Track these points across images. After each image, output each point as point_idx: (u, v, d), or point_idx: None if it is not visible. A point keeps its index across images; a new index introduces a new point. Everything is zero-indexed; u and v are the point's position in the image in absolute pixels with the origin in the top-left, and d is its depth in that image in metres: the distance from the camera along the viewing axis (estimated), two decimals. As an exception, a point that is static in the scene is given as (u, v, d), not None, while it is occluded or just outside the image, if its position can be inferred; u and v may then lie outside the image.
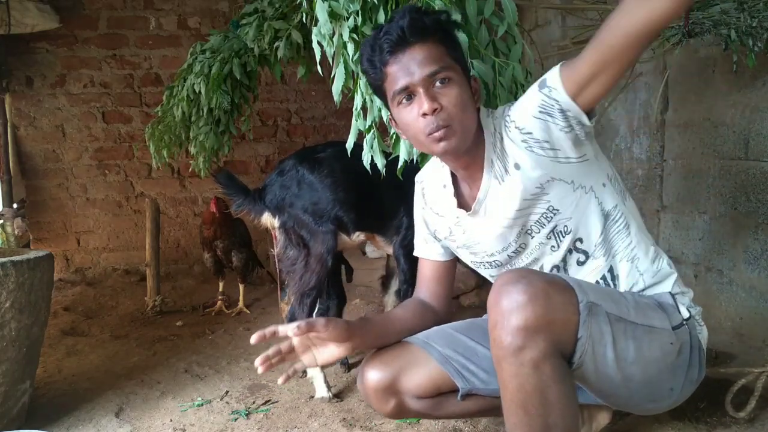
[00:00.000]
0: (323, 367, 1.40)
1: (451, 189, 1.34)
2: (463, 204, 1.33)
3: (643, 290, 1.28)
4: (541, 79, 1.16)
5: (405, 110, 1.20)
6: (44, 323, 1.88)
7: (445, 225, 1.39)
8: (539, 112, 1.15)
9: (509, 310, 1.03)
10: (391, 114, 1.28)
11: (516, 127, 1.20)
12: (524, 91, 1.47)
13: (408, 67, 1.16)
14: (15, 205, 3.93)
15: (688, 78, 2.40)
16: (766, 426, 1.58)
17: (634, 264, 1.28)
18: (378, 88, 1.25)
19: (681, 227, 2.50)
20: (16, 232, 3.85)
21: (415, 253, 1.50)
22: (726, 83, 2.22)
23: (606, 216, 1.26)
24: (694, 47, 2.29)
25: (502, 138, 1.23)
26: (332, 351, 1.26)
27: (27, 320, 1.73)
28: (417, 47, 1.16)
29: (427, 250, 1.46)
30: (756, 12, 1.68)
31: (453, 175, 1.34)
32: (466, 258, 1.41)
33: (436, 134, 1.17)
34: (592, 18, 2.19)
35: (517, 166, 1.21)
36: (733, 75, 2.13)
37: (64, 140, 4.12)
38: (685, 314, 1.26)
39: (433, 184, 1.41)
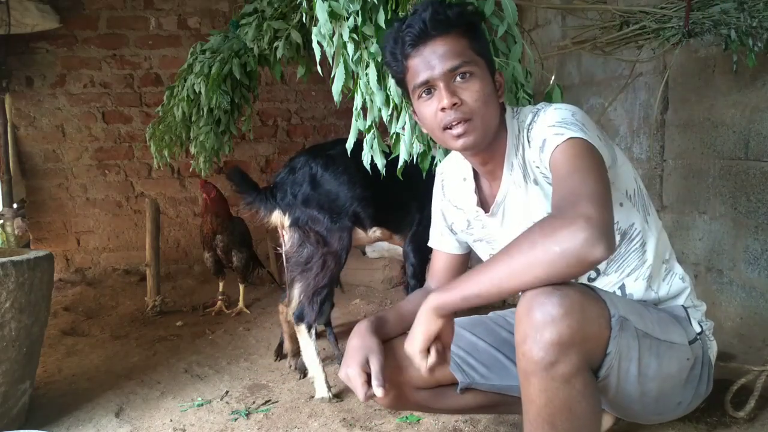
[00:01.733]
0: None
1: (471, 184, 1.33)
2: (483, 201, 1.32)
3: (656, 304, 1.27)
4: (547, 143, 1.13)
5: (425, 104, 1.18)
6: (44, 323, 1.88)
7: (463, 218, 1.38)
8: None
9: (543, 324, 0.99)
10: (412, 107, 1.26)
11: (532, 155, 1.19)
12: (524, 92, 1.47)
13: (429, 61, 1.14)
14: (15, 205, 3.93)
15: (688, 78, 2.40)
16: (766, 426, 1.58)
17: (648, 282, 1.26)
18: (400, 81, 1.24)
19: (681, 227, 2.49)
20: (16, 232, 3.85)
21: (429, 244, 1.50)
22: (726, 83, 2.22)
23: (622, 235, 1.24)
24: (694, 47, 2.29)
25: (524, 147, 1.21)
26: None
27: (27, 320, 1.73)
28: (439, 40, 1.14)
29: (442, 242, 1.45)
30: (756, 12, 1.68)
31: (474, 169, 1.33)
32: (483, 251, 1.40)
33: (455, 130, 1.15)
34: (592, 18, 2.18)
35: (535, 181, 1.21)
36: (733, 75, 2.13)
37: (64, 140, 4.12)
38: (697, 329, 1.25)
39: (453, 176, 1.40)
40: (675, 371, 1.17)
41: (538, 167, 1.18)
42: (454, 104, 1.14)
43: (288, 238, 2.08)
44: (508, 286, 1.01)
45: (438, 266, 1.47)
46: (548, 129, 1.13)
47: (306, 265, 2.03)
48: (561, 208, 1.00)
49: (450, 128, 1.16)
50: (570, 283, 1.12)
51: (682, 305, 1.27)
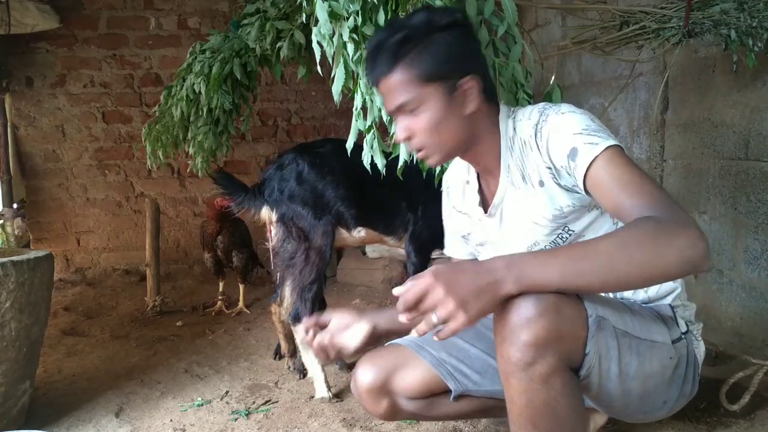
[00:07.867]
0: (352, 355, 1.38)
1: (475, 185, 1.34)
2: (484, 202, 1.33)
3: (648, 302, 1.27)
4: (580, 152, 1.11)
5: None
6: (44, 323, 1.88)
7: (467, 222, 1.39)
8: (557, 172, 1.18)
9: (518, 325, 0.99)
10: None
11: (548, 155, 1.18)
12: (524, 92, 1.47)
13: (384, 96, 1.21)
14: (15, 205, 3.93)
15: (688, 78, 2.40)
16: (766, 426, 1.58)
17: None
18: None
19: (681, 227, 2.49)
20: (16, 232, 3.85)
21: (444, 252, 1.51)
22: (726, 83, 2.22)
23: None
24: (694, 47, 2.30)
25: (524, 146, 1.21)
26: (355, 331, 1.28)
27: (27, 320, 1.74)
28: (384, 79, 1.17)
29: (455, 250, 1.47)
30: (756, 12, 1.68)
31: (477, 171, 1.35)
32: (486, 256, 1.39)
33: (418, 155, 1.22)
34: (592, 18, 2.18)
35: (541, 183, 1.20)
36: (733, 75, 2.13)
37: (64, 140, 4.12)
38: (683, 328, 1.25)
39: (457, 181, 1.42)
40: (657, 370, 1.17)
41: (549, 168, 1.17)
42: (406, 138, 1.20)
43: (274, 234, 2.10)
44: (616, 278, 0.97)
45: None
46: (576, 137, 1.12)
47: (290, 260, 2.05)
48: (662, 212, 1.00)
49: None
50: None
51: (670, 304, 1.28)
